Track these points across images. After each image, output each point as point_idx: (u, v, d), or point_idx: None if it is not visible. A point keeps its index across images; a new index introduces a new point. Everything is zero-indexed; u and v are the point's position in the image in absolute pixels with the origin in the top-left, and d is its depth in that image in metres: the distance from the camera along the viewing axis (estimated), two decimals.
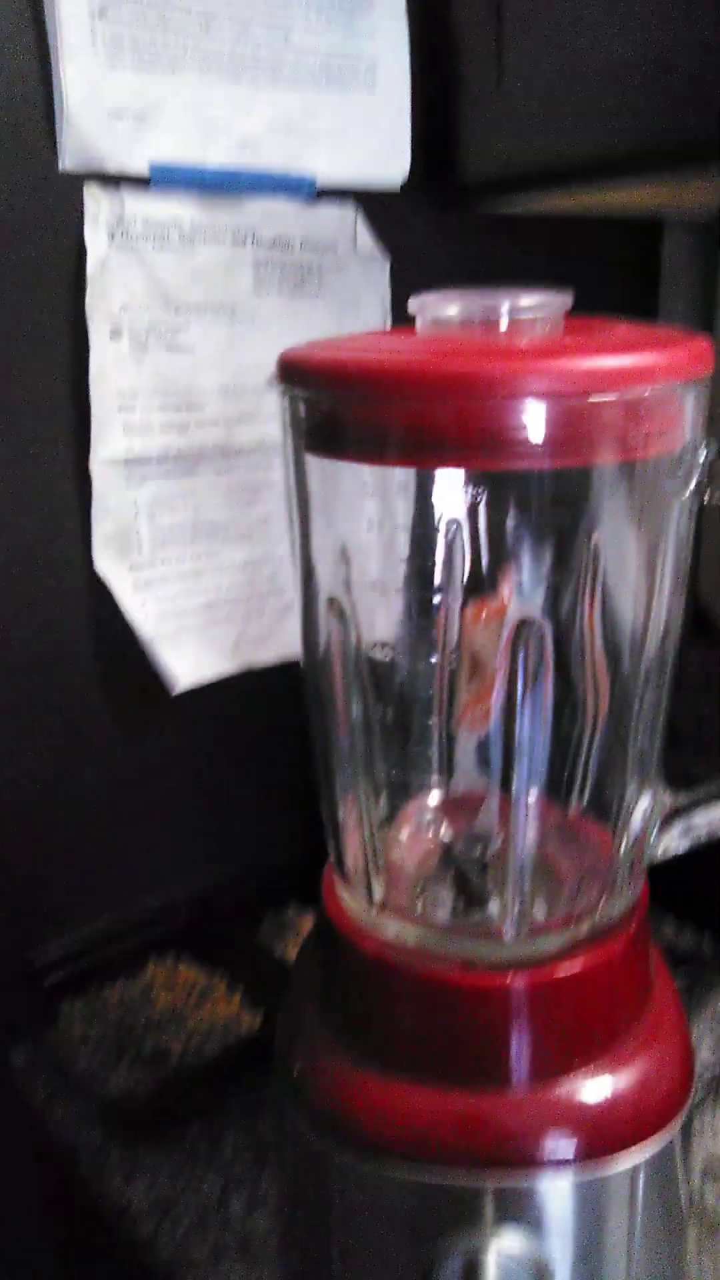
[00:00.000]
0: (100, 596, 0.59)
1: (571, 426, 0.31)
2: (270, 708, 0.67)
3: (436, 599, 0.42)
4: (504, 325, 0.34)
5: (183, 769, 0.67)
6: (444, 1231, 0.39)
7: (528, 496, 0.37)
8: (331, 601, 0.38)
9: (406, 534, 0.39)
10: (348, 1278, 0.42)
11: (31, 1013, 0.61)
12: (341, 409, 0.33)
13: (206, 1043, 0.60)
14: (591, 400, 0.30)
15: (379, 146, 0.63)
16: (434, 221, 0.67)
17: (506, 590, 0.43)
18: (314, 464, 0.36)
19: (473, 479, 0.38)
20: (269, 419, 0.62)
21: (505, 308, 0.34)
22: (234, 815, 0.69)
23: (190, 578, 0.61)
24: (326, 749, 0.42)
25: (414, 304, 0.35)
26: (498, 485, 0.37)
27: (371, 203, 0.64)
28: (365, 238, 0.64)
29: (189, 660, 0.62)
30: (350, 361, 0.32)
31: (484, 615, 0.45)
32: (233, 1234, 0.52)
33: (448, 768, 0.48)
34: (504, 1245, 0.39)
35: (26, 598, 0.57)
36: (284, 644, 0.66)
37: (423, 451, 0.32)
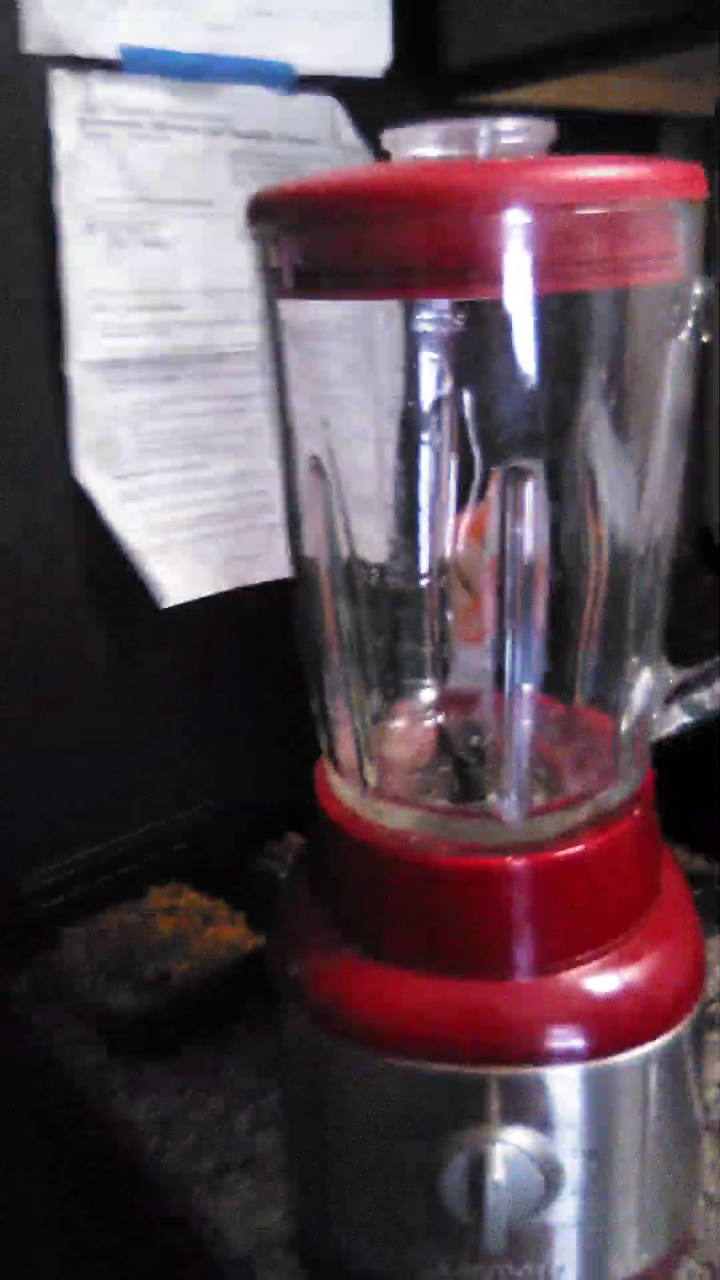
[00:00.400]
0: (84, 508, 0.57)
1: (557, 244, 0.28)
2: (267, 632, 0.65)
3: (425, 462, 0.39)
4: (484, 151, 0.32)
5: (177, 695, 0.65)
6: (449, 1127, 0.38)
7: (514, 340, 0.35)
8: (313, 462, 0.36)
9: (388, 387, 0.37)
10: (354, 1176, 0.41)
11: (31, 938, 0.60)
12: (312, 237, 0.31)
13: (209, 965, 0.59)
14: (578, 212, 0.28)
15: (358, 30, 0.60)
16: (419, 115, 0.64)
17: (492, 493, 0.41)
18: (288, 311, 0.34)
19: (456, 310, 0.36)
20: (252, 322, 0.60)
21: (485, 131, 0.32)
22: (230, 745, 0.68)
23: (179, 490, 0.60)
24: (314, 632, 0.40)
25: (387, 138, 0.33)
26: (481, 326, 0.35)
27: (353, 95, 0.61)
28: (347, 130, 0.61)
29: (179, 575, 0.60)
30: (319, 185, 0.30)
31: (469, 531, 0.43)
32: (238, 1150, 0.51)
33: (442, 664, 0.46)
34: (510, 1141, 0.38)
35: (6, 510, 0.55)
36: (277, 563, 0.64)
37: (399, 278, 0.30)
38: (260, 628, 0.64)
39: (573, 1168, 0.38)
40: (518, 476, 0.35)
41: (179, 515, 0.60)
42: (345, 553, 0.38)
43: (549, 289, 0.30)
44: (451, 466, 0.40)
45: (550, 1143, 0.38)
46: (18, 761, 0.59)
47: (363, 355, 0.37)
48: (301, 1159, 0.44)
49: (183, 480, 0.60)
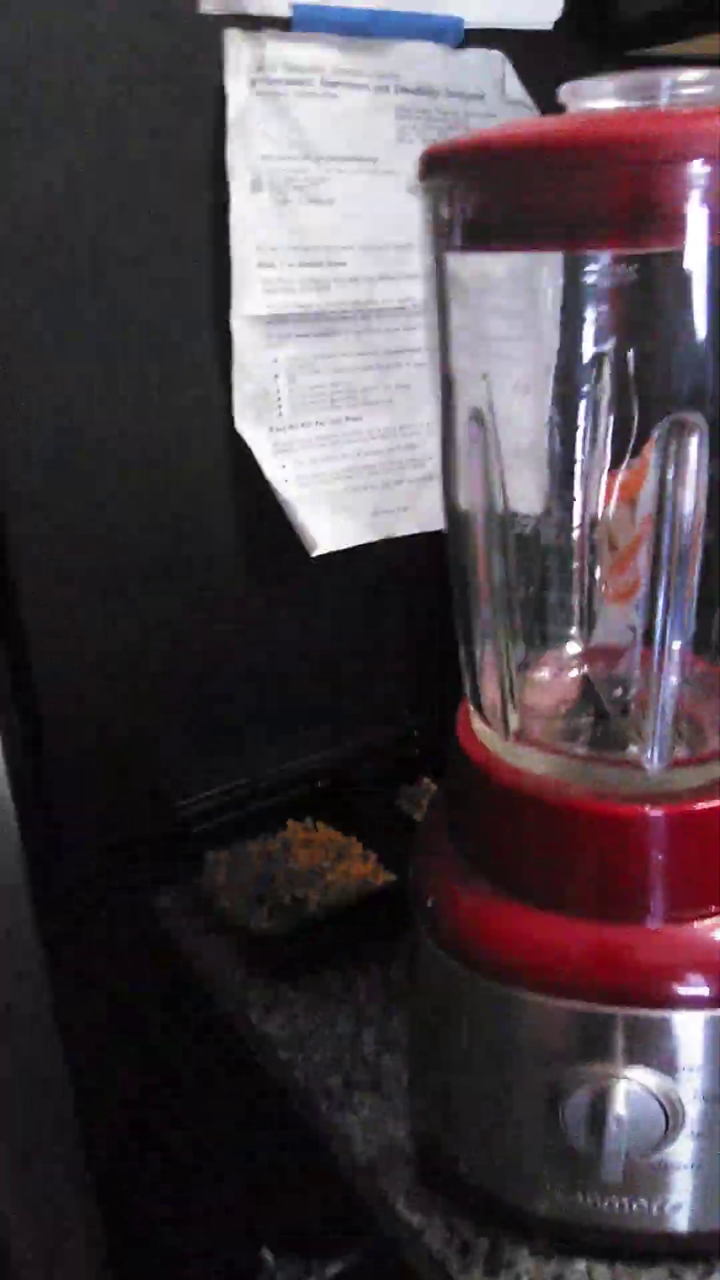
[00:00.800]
0: (240, 457, 0.59)
1: None
2: (409, 584, 0.67)
3: (581, 414, 0.40)
4: (665, 103, 0.32)
5: (326, 643, 0.68)
6: (575, 1060, 0.39)
7: (683, 293, 0.35)
8: (473, 414, 0.37)
9: (550, 342, 0.38)
10: (477, 1100, 0.43)
11: (179, 860, 0.64)
12: (487, 190, 0.32)
13: (342, 896, 0.61)
14: None
15: None
16: (587, 69, 0.64)
17: (647, 452, 0.41)
18: (455, 264, 0.35)
19: (622, 264, 0.36)
20: (410, 278, 0.61)
21: (666, 83, 0.32)
22: (370, 691, 0.70)
23: (330, 443, 0.62)
24: (466, 581, 0.42)
25: (565, 90, 0.34)
26: (647, 280, 0.35)
27: (520, 48, 0.61)
28: (514, 84, 0.61)
29: (329, 525, 0.62)
30: (496, 138, 0.31)
31: (621, 491, 0.43)
32: (365, 1070, 0.54)
33: (588, 617, 0.47)
34: (634, 1079, 0.39)
35: (168, 456, 0.59)
36: (423, 516, 0.66)
37: (574, 230, 0.30)
38: (403, 579, 0.66)
39: (694, 1111, 0.39)
40: (681, 430, 0.35)
41: (330, 467, 0.62)
42: (500, 504, 0.39)
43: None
44: (609, 422, 0.40)
45: (673, 1084, 0.39)
46: (176, 697, 0.63)
47: (527, 309, 0.38)
48: (427, 1080, 0.46)
49: (335, 433, 0.62)
